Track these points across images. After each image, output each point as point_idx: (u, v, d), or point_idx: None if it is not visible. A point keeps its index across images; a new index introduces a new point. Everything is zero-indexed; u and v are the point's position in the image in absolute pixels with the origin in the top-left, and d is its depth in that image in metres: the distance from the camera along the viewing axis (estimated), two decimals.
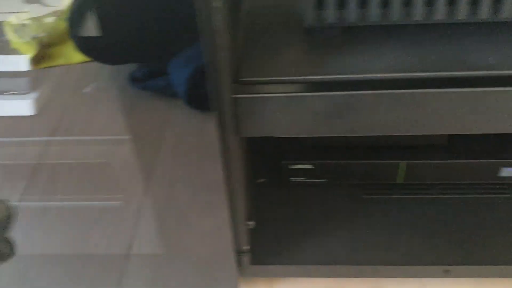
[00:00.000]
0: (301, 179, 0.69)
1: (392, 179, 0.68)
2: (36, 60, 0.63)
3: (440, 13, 0.44)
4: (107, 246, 0.63)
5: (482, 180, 0.67)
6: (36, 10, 0.57)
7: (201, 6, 0.39)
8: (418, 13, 0.44)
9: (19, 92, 0.49)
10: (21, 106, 0.49)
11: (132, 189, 0.65)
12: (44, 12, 0.56)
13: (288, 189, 0.70)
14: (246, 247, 0.58)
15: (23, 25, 0.58)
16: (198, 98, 0.81)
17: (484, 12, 0.43)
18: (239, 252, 0.58)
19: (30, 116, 0.50)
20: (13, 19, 0.61)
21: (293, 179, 0.69)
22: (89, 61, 0.77)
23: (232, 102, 0.45)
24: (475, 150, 0.66)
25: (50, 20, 0.56)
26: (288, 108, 0.45)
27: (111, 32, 0.75)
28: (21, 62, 0.48)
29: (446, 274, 0.60)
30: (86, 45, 0.77)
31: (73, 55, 0.81)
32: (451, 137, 0.67)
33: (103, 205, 0.63)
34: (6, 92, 0.49)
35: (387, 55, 0.47)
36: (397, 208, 0.67)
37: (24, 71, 0.49)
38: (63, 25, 0.72)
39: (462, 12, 0.44)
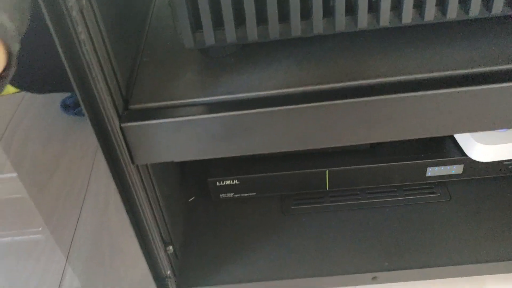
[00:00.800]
0: (230, 194, 0.68)
1: (321, 187, 0.68)
2: None
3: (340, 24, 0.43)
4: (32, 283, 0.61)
5: (411, 182, 0.67)
6: None
7: (67, 41, 0.38)
8: (296, 28, 0.43)
9: None
10: None
11: (55, 220, 0.63)
12: None
13: (218, 206, 0.70)
14: (168, 273, 0.57)
15: None
16: None
17: (385, 20, 0.43)
18: (161, 279, 0.57)
19: None
20: None
21: (222, 195, 0.68)
22: (19, 91, 0.75)
23: (120, 132, 0.43)
24: (401, 152, 0.66)
25: None
26: (181, 133, 0.44)
27: (34, 63, 0.73)
28: None
29: (374, 280, 0.60)
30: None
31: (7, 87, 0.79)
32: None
33: (22, 239, 0.61)
34: None
35: (282, 70, 0.46)
36: (327, 216, 0.67)
37: None
38: None
39: (363, 22, 0.43)
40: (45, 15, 0.36)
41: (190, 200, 0.71)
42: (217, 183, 0.67)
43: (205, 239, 0.66)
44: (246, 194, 0.68)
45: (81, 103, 0.41)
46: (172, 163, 0.67)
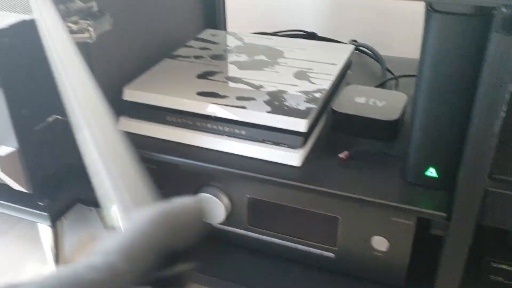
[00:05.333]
0: (500, 278, 0.72)
1: None
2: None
3: None
4: None
5: None
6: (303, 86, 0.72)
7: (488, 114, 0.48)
8: None
9: (291, 146, 0.63)
10: (290, 157, 0.62)
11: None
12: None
13: (480, 285, 0.73)
14: None
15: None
16: None
17: None
18: None
19: (295, 167, 0.63)
20: None
21: (492, 277, 0.72)
22: None
23: (483, 193, 0.52)
24: None
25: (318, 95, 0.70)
26: None
27: None
28: (299, 124, 0.62)
29: None
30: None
31: None
32: None
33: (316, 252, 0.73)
34: (281, 144, 0.63)
35: None
36: None
37: (298, 131, 0.62)
38: None
39: None
40: None
41: None
42: (492, 264, 0.71)
43: None
44: None
45: (467, 162, 0.51)
46: None
